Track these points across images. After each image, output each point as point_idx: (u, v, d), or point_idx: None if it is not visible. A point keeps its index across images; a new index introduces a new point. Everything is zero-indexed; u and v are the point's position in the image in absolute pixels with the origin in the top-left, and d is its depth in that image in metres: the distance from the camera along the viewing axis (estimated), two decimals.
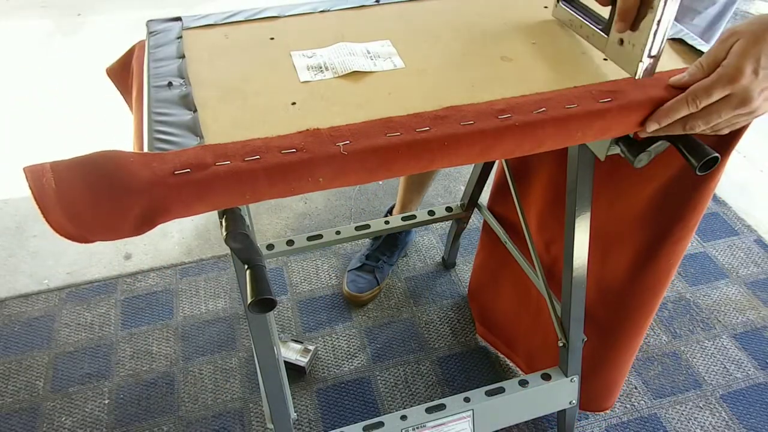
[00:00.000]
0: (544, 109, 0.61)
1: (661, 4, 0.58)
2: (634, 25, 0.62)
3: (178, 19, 0.78)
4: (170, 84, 0.66)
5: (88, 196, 0.49)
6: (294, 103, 0.63)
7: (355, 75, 0.68)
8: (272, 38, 0.75)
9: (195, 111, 0.62)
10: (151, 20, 0.78)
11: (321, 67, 0.69)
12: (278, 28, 0.77)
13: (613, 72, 0.68)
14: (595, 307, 1.03)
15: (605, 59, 0.70)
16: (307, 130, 0.58)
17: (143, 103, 0.66)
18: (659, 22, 0.59)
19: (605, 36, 0.68)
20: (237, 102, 0.63)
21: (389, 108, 0.62)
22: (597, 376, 1.11)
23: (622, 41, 0.65)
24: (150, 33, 0.76)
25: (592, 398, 1.15)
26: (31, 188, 0.48)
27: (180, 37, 0.75)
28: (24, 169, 0.49)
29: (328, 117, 0.61)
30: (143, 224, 0.51)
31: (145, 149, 0.58)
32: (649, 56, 0.62)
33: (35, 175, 0.48)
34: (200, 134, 0.58)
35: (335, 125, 0.59)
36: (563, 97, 0.63)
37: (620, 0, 0.61)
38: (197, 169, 0.52)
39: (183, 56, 0.71)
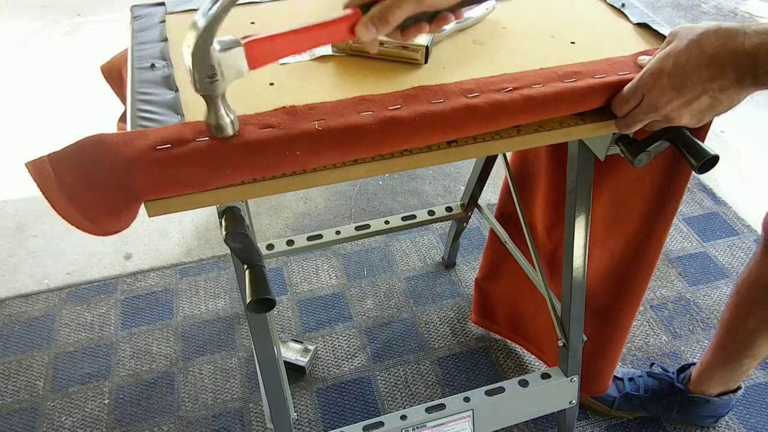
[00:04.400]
0: (510, 87, 0.64)
1: None
2: None
3: (162, 4, 0.81)
4: (153, 66, 0.68)
5: (83, 179, 0.51)
6: (272, 84, 0.66)
7: (331, 57, 0.71)
8: (253, 23, 0.77)
9: (177, 91, 0.64)
10: (135, 6, 0.80)
11: None
12: (259, 12, 0.80)
13: (579, 55, 0.72)
14: (593, 289, 1.04)
15: (572, 42, 0.75)
16: (284, 107, 0.60)
17: (127, 86, 0.67)
18: None
19: None
20: None
21: (363, 88, 0.65)
22: (596, 358, 1.11)
23: None
24: (134, 18, 0.78)
25: (591, 381, 1.15)
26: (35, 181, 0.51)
27: (163, 21, 0.77)
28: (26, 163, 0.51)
29: (304, 96, 0.63)
30: (131, 201, 0.53)
31: (128, 128, 0.59)
32: None
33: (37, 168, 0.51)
34: (181, 112, 0.61)
35: (311, 103, 0.61)
36: (530, 77, 0.66)
37: None
38: (178, 144, 0.54)
39: (166, 39, 0.73)
